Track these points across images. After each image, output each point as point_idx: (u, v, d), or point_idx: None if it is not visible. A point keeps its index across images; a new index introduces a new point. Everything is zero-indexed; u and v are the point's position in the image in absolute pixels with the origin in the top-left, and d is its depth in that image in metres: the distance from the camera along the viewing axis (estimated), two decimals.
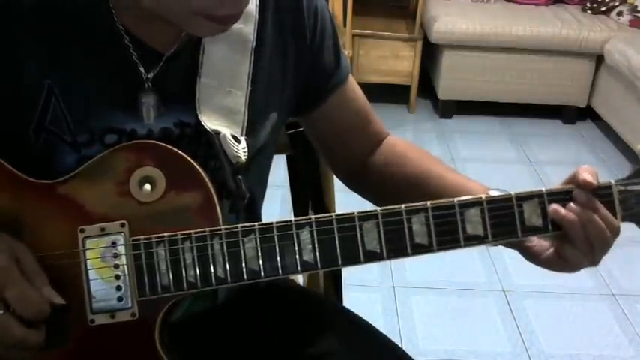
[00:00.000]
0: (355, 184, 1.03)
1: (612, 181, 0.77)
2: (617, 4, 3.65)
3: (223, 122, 0.82)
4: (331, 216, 0.75)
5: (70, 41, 0.77)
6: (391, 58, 3.56)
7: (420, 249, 0.75)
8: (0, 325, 0.69)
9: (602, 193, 0.76)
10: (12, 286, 0.70)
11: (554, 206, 0.76)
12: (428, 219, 0.75)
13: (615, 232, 0.77)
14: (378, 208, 0.75)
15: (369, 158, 1.00)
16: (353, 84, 0.98)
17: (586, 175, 0.76)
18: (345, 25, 3.24)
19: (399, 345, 0.95)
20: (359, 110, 1.00)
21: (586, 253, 0.77)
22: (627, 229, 0.78)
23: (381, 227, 0.74)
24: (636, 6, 3.57)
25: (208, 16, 0.71)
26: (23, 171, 0.77)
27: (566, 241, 0.77)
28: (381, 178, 0.99)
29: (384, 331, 0.96)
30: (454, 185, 0.90)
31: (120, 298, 0.75)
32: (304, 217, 0.75)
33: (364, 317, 0.98)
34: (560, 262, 0.79)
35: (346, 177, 1.04)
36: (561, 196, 0.76)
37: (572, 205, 0.76)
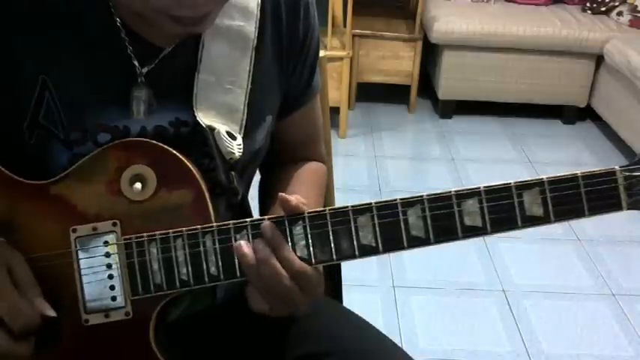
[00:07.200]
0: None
1: (617, 167, 0.71)
2: (617, 4, 3.64)
3: (220, 119, 0.81)
4: (324, 210, 0.74)
5: (66, 35, 0.76)
6: (391, 58, 3.55)
7: (416, 242, 0.73)
8: None
9: (605, 180, 0.71)
10: (3, 299, 0.70)
11: (240, 242, 0.73)
12: (424, 211, 0.73)
13: (304, 278, 0.73)
14: (373, 201, 0.73)
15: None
16: (318, 103, 0.98)
17: (285, 195, 0.73)
18: (345, 25, 3.23)
19: (399, 345, 0.94)
20: (313, 130, 1.00)
21: (266, 297, 0.74)
22: (627, 228, 0.75)
23: (376, 220, 0.73)
24: (636, 6, 3.56)
25: (169, 15, 0.68)
26: (16, 170, 0.76)
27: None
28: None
29: (384, 331, 0.95)
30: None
31: (113, 298, 0.75)
32: (297, 212, 0.74)
33: (364, 317, 0.98)
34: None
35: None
36: (563, 184, 0.72)
37: (258, 240, 0.73)
